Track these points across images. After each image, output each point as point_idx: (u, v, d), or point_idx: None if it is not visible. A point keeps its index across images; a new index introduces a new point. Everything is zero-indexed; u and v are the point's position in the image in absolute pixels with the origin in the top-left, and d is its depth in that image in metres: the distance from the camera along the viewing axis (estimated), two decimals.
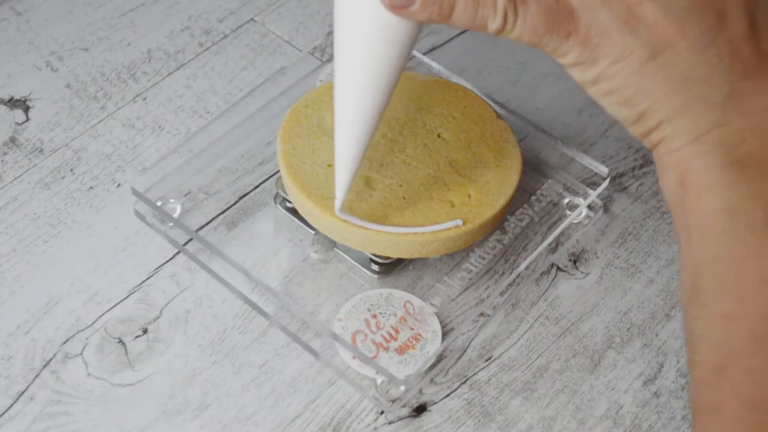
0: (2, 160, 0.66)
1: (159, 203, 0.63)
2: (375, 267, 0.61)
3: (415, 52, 0.70)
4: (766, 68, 0.45)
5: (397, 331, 0.58)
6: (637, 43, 0.45)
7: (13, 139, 0.67)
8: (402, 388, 0.56)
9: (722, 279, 0.44)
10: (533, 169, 0.66)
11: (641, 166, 0.68)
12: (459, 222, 0.57)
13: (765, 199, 0.44)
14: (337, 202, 0.56)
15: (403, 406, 0.57)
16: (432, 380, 0.58)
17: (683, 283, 0.46)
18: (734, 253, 0.44)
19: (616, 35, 0.45)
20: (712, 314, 0.44)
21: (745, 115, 0.45)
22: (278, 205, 0.64)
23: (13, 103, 0.69)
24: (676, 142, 0.46)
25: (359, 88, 0.51)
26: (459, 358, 0.59)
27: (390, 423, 0.56)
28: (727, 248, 0.44)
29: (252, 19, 0.75)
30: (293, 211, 0.62)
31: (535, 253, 0.61)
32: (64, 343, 0.58)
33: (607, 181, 0.64)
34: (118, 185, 0.65)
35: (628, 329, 0.60)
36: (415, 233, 0.57)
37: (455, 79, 0.67)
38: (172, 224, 0.62)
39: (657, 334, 0.60)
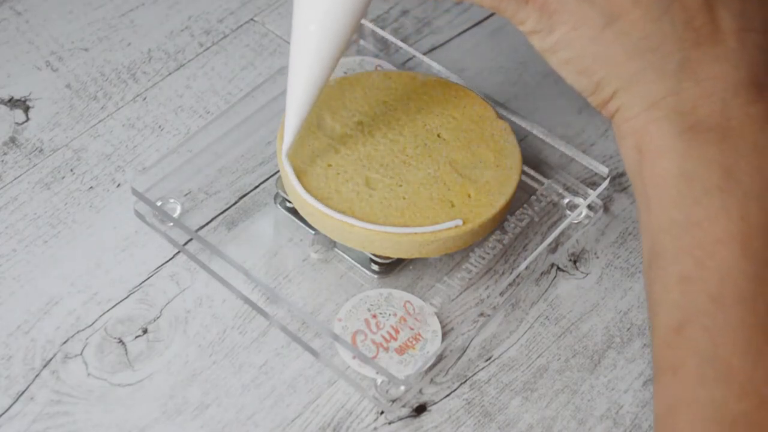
0: (2, 160, 0.66)
1: (159, 203, 0.63)
2: (375, 267, 0.61)
3: (414, 52, 0.70)
4: (719, 37, 0.46)
5: (397, 331, 0.58)
6: (593, 11, 0.45)
7: (13, 139, 0.67)
8: (402, 388, 0.56)
9: (680, 242, 0.45)
10: (533, 169, 0.66)
11: None
12: (459, 222, 0.57)
13: (719, 164, 0.45)
14: (285, 146, 0.57)
15: (403, 406, 0.57)
16: (432, 380, 0.58)
17: (643, 250, 0.47)
18: (691, 216, 0.45)
19: (573, 3, 0.45)
20: (671, 277, 0.45)
21: (699, 82, 0.45)
22: (278, 205, 0.64)
23: (13, 103, 0.69)
24: (632, 110, 0.46)
25: (317, 35, 0.52)
26: (459, 358, 0.59)
27: (390, 423, 0.56)
28: (684, 212, 0.45)
29: (252, 19, 0.75)
30: (293, 211, 0.62)
31: (535, 253, 0.61)
32: (64, 343, 0.58)
33: (607, 181, 0.64)
34: (118, 185, 0.65)
35: (628, 329, 0.60)
36: (415, 233, 0.57)
37: (455, 79, 0.67)
38: (172, 224, 0.62)
39: None
